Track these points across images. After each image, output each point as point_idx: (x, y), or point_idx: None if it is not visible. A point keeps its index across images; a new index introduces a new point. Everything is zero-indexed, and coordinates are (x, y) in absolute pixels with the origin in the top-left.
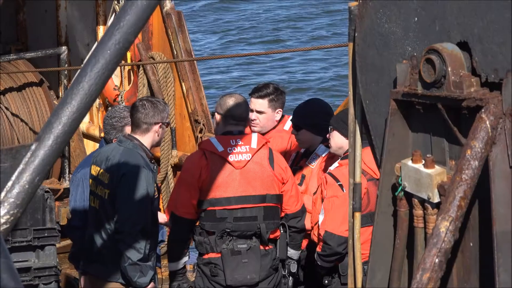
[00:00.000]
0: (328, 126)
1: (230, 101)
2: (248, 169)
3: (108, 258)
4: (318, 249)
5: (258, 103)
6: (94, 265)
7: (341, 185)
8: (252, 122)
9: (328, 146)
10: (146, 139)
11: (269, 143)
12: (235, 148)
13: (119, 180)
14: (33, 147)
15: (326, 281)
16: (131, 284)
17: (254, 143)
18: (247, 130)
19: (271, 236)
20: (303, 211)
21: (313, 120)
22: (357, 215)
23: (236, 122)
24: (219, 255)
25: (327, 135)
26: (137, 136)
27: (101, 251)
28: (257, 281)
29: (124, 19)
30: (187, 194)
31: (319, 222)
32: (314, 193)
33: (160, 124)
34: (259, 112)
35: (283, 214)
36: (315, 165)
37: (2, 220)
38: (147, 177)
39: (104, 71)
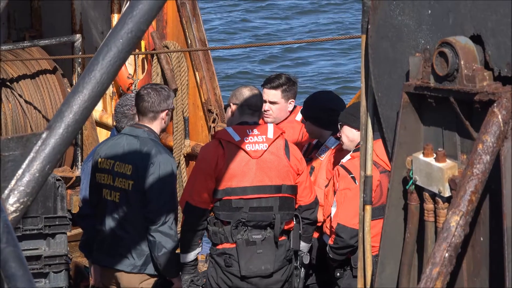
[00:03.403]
0: (330, 120)
1: (246, 91)
2: (265, 159)
3: (134, 250)
4: (330, 241)
5: (271, 94)
6: (117, 258)
7: (353, 178)
8: (265, 113)
9: (338, 138)
10: (154, 127)
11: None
12: (252, 137)
13: (146, 170)
14: (44, 135)
15: (338, 274)
16: (161, 274)
17: (270, 133)
18: (261, 121)
19: (286, 227)
20: (316, 202)
21: (315, 113)
22: (368, 208)
23: (252, 112)
24: (234, 245)
25: (338, 134)
26: (146, 124)
27: (126, 244)
28: (271, 271)
29: (137, 8)
30: (203, 183)
31: (332, 215)
32: (326, 186)
33: (167, 111)
34: (272, 103)
35: (296, 206)
36: (325, 157)
37: (12, 209)
38: (173, 163)
39: (116, 60)
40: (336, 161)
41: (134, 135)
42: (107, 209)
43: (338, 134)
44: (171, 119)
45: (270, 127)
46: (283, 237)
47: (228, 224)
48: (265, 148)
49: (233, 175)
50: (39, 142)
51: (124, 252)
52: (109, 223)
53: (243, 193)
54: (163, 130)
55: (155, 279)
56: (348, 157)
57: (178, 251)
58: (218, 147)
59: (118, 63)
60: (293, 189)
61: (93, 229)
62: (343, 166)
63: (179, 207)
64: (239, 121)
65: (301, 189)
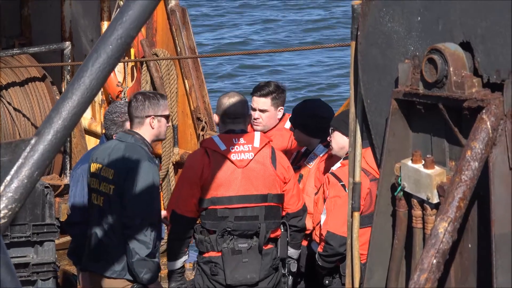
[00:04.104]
0: (319, 128)
1: (224, 100)
2: (250, 168)
3: (114, 255)
4: (320, 249)
5: (261, 102)
6: (99, 263)
7: (343, 185)
8: (255, 120)
9: (326, 146)
10: (143, 133)
11: (272, 142)
12: (238, 147)
13: (126, 175)
14: (32, 141)
15: (327, 281)
16: (136, 280)
17: (256, 142)
18: (249, 128)
19: (272, 235)
20: (304, 210)
21: (303, 120)
22: (356, 214)
23: (232, 120)
24: (220, 254)
25: (328, 138)
26: (135, 131)
27: (107, 249)
28: (257, 280)
29: (127, 14)
30: (189, 192)
31: (321, 222)
32: (316, 193)
33: (152, 117)
34: (262, 111)
35: (284, 213)
36: (313, 165)
37: (0, 215)
38: (154, 171)
39: (105, 66)
40: (325, 169)
41: (122, 140)
42: (94, 214)
43: (328, 139)
44: None
45: (257, 136)
46: (270, 246)
47: (214, 232)
48: (251, 157)
49: (219, 185)
50: (28, 148)
51: (106, 257)
52: (95, 227)
53: (229, 203)
54: (158, 138)
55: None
56: (338, 164)
57: (163, 258)
58: (204, 156)
59: (108, 69)
60: (279, 197)
61: (82, 237)
62: (333, 174)
63: (163, 212)
64: (224, 130)
65: (288, 197)
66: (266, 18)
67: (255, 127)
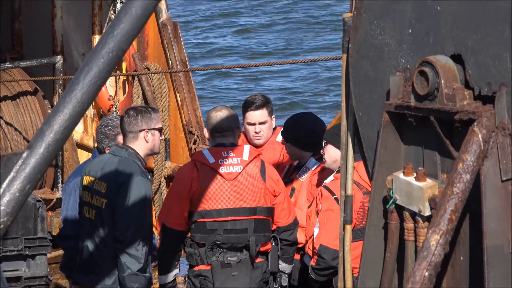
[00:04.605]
0: (311, 142)
1: (211, 114)
2: (239, 181)
3: (105, 269)
4: (313, 262)
5: (259, 115)
6: (90, 277)
7: (336, 199)
8: (257, 134)
9: (318, 160)
10: (137, 147)
11: (262, 155)
12: (227, 160)
13: (118, 189)
14: (24, 155)
15: None
16: None
17: (245, 155)
18: (241, 142)
19: (262, 249)
20: (295, 224)
21: (295, 134)
22: (348, 227)
23: (220, 134)
24: (209, 267)
25: (321, 151)
26: (130, 145)
27: (98, 262)
28: None
29: (118, 28)
30: (178, 205)
31: (314, 236)
32: (309, 207)
33: (146, 130)
34: (262, 123)
35: (275, 227)
36: (305, 178)
37: None
38: (146, 185)
39: (97, 79)
40: (317, 182)
41: (116, 154)
42: (85, 227)
43: (321, 152)
44: None
45: (246, 149)
46: (260, 259)
47: (203, 246)
48: (240, 170)
49: (208, 197)
50: (20, 162)
51: (97, 270)
52: (86, 240)
53: (218, 216)
54: (152, 152)
55: None
56: (331, 178)
57: (155, 272)
58: (193, 169)
59: (99, 83)
60: (269, 211)
61: (74, 250)
62: (326, 187)
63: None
64: (214, 144)
65: (279, 211)
66: (248, 25)
67: (257, 141)
